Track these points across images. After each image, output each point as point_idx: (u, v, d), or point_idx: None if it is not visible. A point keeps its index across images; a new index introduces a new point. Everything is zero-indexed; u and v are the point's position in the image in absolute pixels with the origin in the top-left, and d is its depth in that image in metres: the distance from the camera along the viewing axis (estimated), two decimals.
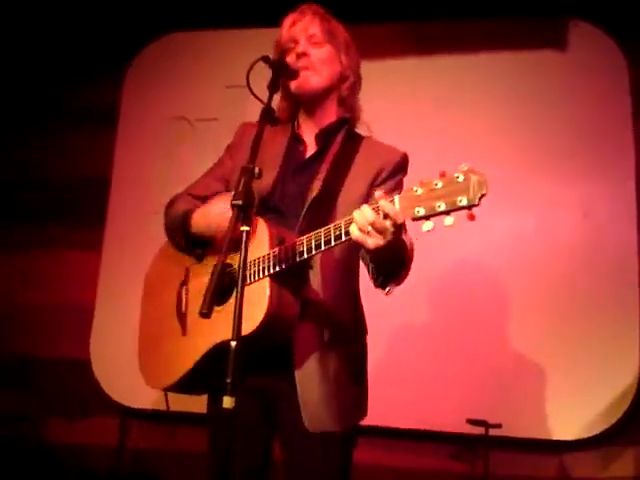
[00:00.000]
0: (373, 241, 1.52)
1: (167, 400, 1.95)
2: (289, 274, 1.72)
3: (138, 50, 4.21)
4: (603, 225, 3.44)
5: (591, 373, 3.28)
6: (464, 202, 1.38)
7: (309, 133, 1.99)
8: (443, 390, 3.38)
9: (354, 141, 1.98)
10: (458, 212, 1.39)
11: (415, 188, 1.46)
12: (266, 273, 1.71)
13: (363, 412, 1.93)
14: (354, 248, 1.79)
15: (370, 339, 1.98)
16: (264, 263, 1.72)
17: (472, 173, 1.39)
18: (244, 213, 1.48)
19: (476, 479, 3.22)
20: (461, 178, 1.39)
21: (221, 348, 1.66)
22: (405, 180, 1.96)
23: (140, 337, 2.10)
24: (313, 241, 1.65)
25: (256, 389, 1.83)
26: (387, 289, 1.83)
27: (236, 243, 1.48)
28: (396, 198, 1.48)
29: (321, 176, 1.89)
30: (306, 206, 1.85)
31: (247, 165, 1.55)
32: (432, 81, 3.75)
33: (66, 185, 4.11)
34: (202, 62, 4.07)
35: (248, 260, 1.56)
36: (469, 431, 3.16)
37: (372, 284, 1.86)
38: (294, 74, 1.89)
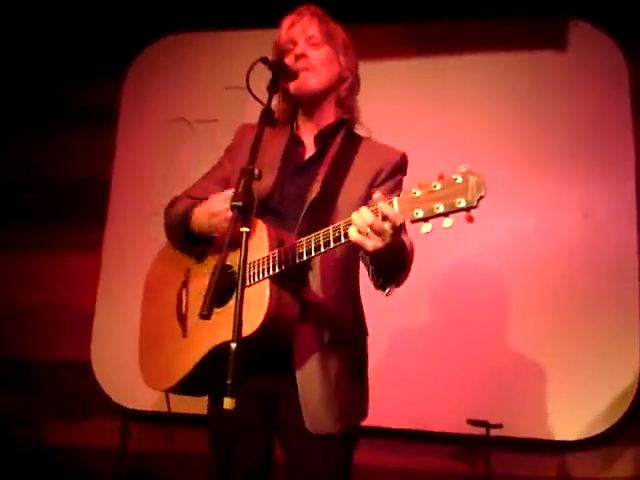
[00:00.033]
0: (372, 243, 1.52)
1: (168, 401, 1.95)
2: (288, 276, 1.72)
3: (138, 51, 4.21)
4: (603, 225, 3.44)
5: (591, 373, 3.28)
6: (463, 204, 1.38)
7: (308, 135, 1.99)
8: (444, 391, 3.37)
9: (353, 142, 1.98)
10: (457, 214, 1.39)
11: (414, 190, 1.46)
12: (266, 275, 1.71)
13: (364, 413, 1.93)
14: (354, 249, 1.79)
15: (370, 340, 1.98)
16: (263, 265, 1.72)
17: (470, 175, 1.39)
18: (244, 214, 1.48)
19: (477, 479, 3.22)
20: (459, 180, 1.39)
21: (221, 349, 1.67)
22: (405, 180, 1.96)
23: (140, 338, 2.10)
24: (312, 243, 1.65)
25: (256, 390, 1.83)
26: (387, 290, 1.83)
27: (236, 244, 1.48)
28: (395, 200, 1.48)
29: (320, 178, 1.89)
30: (305, 208, 1.85)
31: (247, 166, 1.55)
32: (431, 82, 3.75)
33: (66, 186, 4.11)
34: (202, 63, 4.07)
35: (247, 262, 1.56)
36: (470, 431, 3.16)
37: (372, 285, 1.86)
38: (293, 75, 1.89)
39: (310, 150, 1.98)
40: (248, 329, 1.57)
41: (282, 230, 1.80)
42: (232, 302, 1.71)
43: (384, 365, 3.19)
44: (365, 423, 1.92)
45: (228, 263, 1.48)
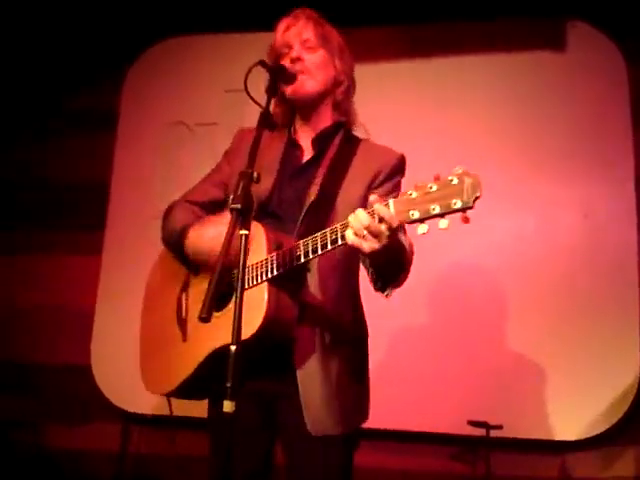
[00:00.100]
0: (369, 245, 1.52)
1: (170, 405, 1.95)
2: (287, 278, 1.72)
3: (138, 54, 4.22)
4: (603, 225, 3.44)
5: (591, 373, 3.28)
6: (458, 205, 1.39)
7: (305, 138, 2.00)
8: (444, 392, 3.37)
9: (351, 144, 1.98)
10: (453, 215, 1.40)
11: (410, 191, 1.46)
12: (264, 278, 1.72)
13: (365, 415, 1.93)
14: (353, 250, 1.79)
15: (370, 340, 1.98)
16: (262, 268, 1.73)
17: (466, 176, 1.39)
18: (243, 217, 1.48)
19: None
20: (455, 181, 1.40)
21: (221, 353, 1.67)
22: (403, 181, 1.96)
23: (141, 343, 2.11)
24: (310, 245, 1.65)
25: (256, 393, 1.83)
26: (387, 292, 1.83)
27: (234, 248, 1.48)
28: (391, 202, 1.49)
29: (318, 180, 1.89)
30: (304, 211, 1.85)
31: (246, 169, 1.55)
32: (431, 83, 3.75)
33: (66, 187, 4.12)
34: (201, 66, 4.08)
35: (246, 265, 1.56)
36: (470, 432, 3.16)
37: (372, 287, 1.87)
38: (292, 78, 1.89)
39: (308, 153, 1.98)
40: (247, 332, 1.57)
41: (281, 233, 1.80)
42: (231, 305, 1.72)
43: (384, 366, 3.18)
44: (365, 424, 1.92)
45: (227, 266, 1.48)
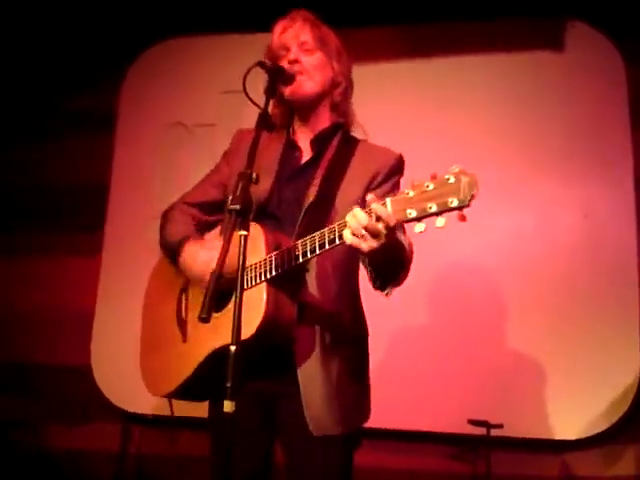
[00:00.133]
0: (367, 244, 1.52)
1: (171, 405, 1.95)
2: (286, 278, 1.73)
3: (136, 55, 4.22)
4: (603, 225, 3.44)
5: (592, 372, 3.28)
6: (455, 203, 1.39)
7: (304, 139, 2.00)
8: (444, 391, 3.38)
9: (349, 145, 1.98)
10: (449, 213, 1.41)
11: (407, 190, 1.47)
12: (263, 278, 1.72)
13: (365, 415, 1.93)
14: (352, 249, 1.80)
15: (370, 340, 1.98)
16: (261, 268, 1.73)
17: (463, 174, 1.40)
18: (242, 218, 1.49)
19: (478, 479, 3.22)
20: (452, 180, 1.41)
21: (221, 353, 1.67)
22: (402, 181, 1.96)
23: (141, 344, 2.11)
24: (308, 245, 1.66)
25: (256, 393, 1.83)
26: (386, 291, 1.83)
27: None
28: (388, 200, 1.49)
29: (317, 181, 1.89)
30: (303, 212, 1.85)
31: (245, 170, 1.55)
32: (431, 83, 3.75)
33: (66, 188, 4.12)
34: (200, 67, 4.08)
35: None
36: (470, 432, 3.16)
37: (371, 286, 1.87)
38: (290, 79, 1.89)
39: (306, 154, 1.98)
40: (246, 332, 1.57)
41: (279, 234, 1.80)
42: (231, 306, 1.73)
43: (384, 365, 3.17)
44: (365, 424, 1.92)
45: (226, 267, 1.48)
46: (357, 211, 1.52)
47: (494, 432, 3.08)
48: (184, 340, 1.93)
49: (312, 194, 1.87)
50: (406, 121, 3.62)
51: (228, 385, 1.38)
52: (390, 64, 3.80)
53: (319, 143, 1.97)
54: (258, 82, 1.79)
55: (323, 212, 1.83)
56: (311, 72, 1.93)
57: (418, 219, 1.44)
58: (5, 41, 4.15)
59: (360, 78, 2.08)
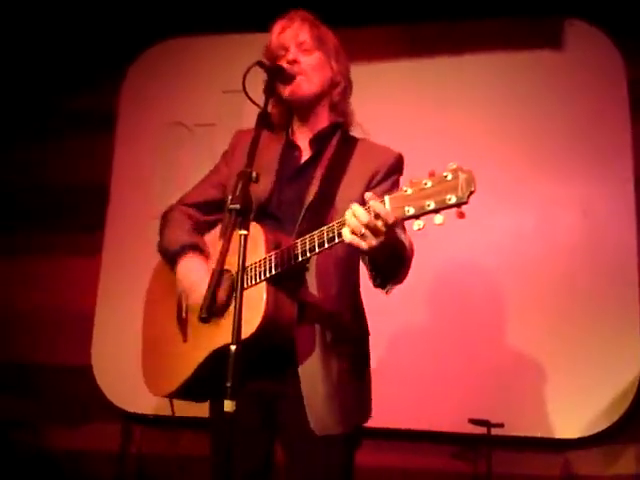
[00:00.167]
0: (366, 242, 1.52)
1: (172, 406, 1.96)
2: (285, 277, 1.73)
3: (136, 55, 4.22)
4: (603, 224, 3.44)
5: (592, 372, 3.28)
6: (453, 200, 1.39)
7: (303, 139, 2.00)
8: (444, 390, 3.38)
9: (349, 144, 1.98)
10: (448, 210, 1.41)
11: (405, 188, 1.47)
12: (262, 277, 1.72)
13: (366, 414, 1.93)
14: (351, 247, 1.80)
15: (371, 339, 1.98)
16: (260, 268, 1.73)
17: (460, 171, 1.40)
18: (242, 217, 1.48)
19: (479, 478, 3.22)
20: (450, 177, 1.41)
21: (221, 353, 1.67)
22: (401, 180, 1.96)
23: (142, 344, 2.11)
24: (307, 244, 1.66)
25: (256, 393, 1.83)
26: (387, 289, 1.83)
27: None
28: (386, 198, 1.49)
29: (317, 181, 1.89)
30: (303, 211, 1.86)
31: (245, 169, 1.55)
32: (431, 82, 3.75)
33: (66, 188, 4.12)
34: (200, 67, 4.08)
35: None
36: (471, 431, 3.16)
37: (371, 284, 1.87)
38: (290, 78, 1.89)
39: (306, 154, 1.98)
40: (246, 331, 1.56)
41: (279, 233, 1.80)
42: (231, 307, 1.72)
43: (384, 364, 3.17)
44: (366, 424, 1.92)
45: (226, 267, 1.48)
46: (356, 208, 1.51)
47: (495, 431, 3.08)
48: (184, 340, 1.93)
49: (312, 193, 1.87)
50: (406, 121, 3.62)
51: (228, 385, 1.38)
52: (390, 63, 3.80)
53: (318, 142, 1.97)
54: (258, 82, 1.79)
55: (323, 211, 1.83)
56: (310, 73, 1.93)
57: (416, 216, 1.44)
58: (5, 41, 4.15)
59: (359, 78, 2.08)
